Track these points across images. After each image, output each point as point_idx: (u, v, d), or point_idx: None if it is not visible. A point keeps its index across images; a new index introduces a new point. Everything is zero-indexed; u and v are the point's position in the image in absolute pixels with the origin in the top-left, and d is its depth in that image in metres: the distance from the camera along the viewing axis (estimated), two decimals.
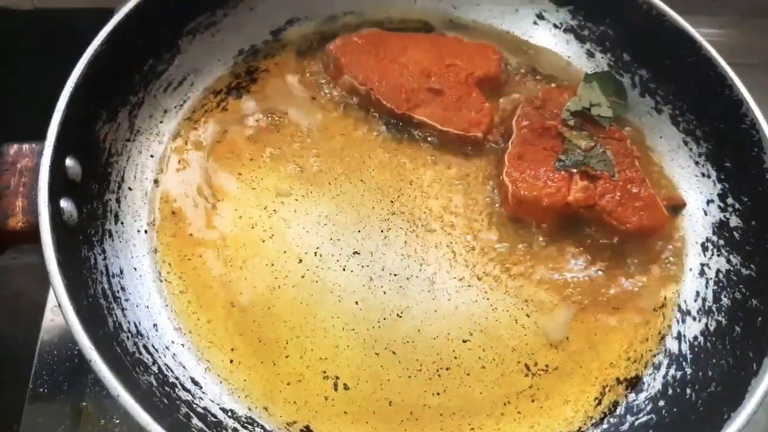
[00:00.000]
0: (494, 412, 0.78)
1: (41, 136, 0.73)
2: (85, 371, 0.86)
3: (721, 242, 0.88)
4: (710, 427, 0.68)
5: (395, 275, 0.84)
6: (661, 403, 0.78)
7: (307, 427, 0.75)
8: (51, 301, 0.91)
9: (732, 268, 0.85)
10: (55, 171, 0.72)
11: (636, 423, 0.77)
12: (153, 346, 0.76)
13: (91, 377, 0.85)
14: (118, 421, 0.83)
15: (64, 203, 0.73)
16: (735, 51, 1.26)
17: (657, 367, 0.81)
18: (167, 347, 0.77)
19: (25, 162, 0.75)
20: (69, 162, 0.76)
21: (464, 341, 0.81)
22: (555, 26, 1.05)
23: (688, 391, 0.77)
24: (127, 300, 0.77)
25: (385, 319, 0.81)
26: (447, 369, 0.79)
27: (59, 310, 0.87)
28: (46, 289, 0.91)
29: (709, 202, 0.91)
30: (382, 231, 0.87)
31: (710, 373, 0.77)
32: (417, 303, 0.82)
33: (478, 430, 0.77)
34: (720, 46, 1.15)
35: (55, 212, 0.71)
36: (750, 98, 0.87)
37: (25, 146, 0.76)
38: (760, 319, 0.77)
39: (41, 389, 0.85)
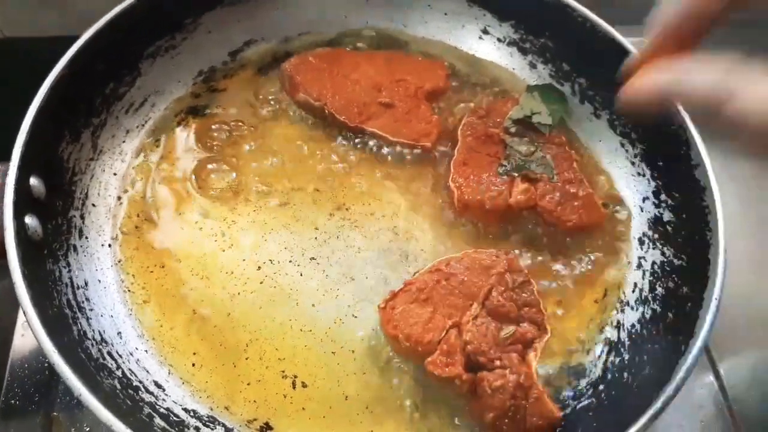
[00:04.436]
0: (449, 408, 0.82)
1: (6, 158, 0.78)
2: (55, 382, 0.89)
3: (656, 236, 0.93)
4: (643, 405, 0.72)
5: (351, 278, 0.89)
6: (601, 387, 0.83)
7: (266, 423, 0.79)
8: (21, 317, 0.94)
9: (666, 260, 0.91)
10: (19, 189, 0.76)
11: (578, 407, 0.82)
12: (117, 353, 0.79)
13: (62, 388, 0.88)
14: (88, 429, 0.86)
15: (29, 220, 0.77)
16: None
17: (598, 355, 0.86)
18: (131, 353, 0.81)
19: None
20: (33, 181, 0.80)
21: None
22: (499, 40, 1.11)
23: (626, 375, 0.82)
24: (91, 310, 0.81)
25: (341, 319, 0.86)
26: (402, 364, 0.83)
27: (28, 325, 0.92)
28: (16, 310, 0.94)
29: (644, 199, 0.97)
30: (338, 237, 0.92)
31: (645, 357, 0.82)
32: (372, 303, 0.87)
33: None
34: None
35: (20, 228, 0.75)
36: None
37: None
38: (689, 304, 0.82)
39: (13, 401, 0.88)
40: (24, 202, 0.77)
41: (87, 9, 1.16)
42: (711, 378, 0.99)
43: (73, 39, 0.90)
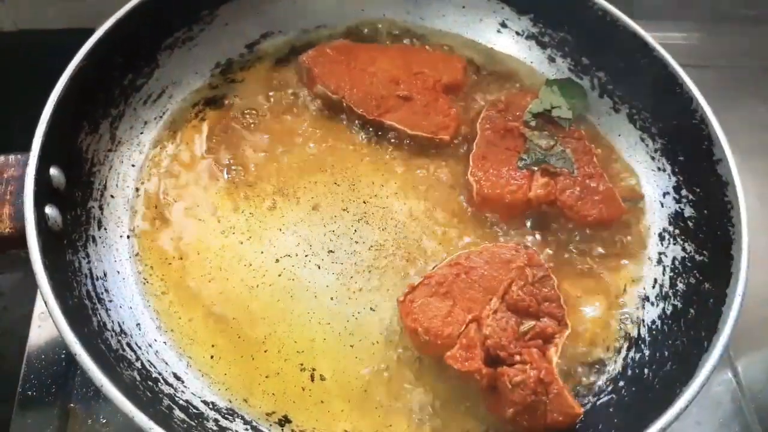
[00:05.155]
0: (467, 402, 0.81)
1: (25, 150, 0.78)
2: (72, 374, 0.89)
3: (677, 231, 0.92)
4: (664, 403, 0.71)
5: (369, 272, 0.88)
6: (621, 383, 0.82)
7: (285, 416, 0.79)
8: (38, 308, 0.94)
9: (687, 255, 0.90)
10: (40, 180, 0.76)
11: (598, 403, 0.81)
12: (136, 344, 0.79)
13: (78, 380, 0.88)
14: (104, 421, 0.86)
15: (49, 210, 0.77)
16: (693, 53, 1.33)
17: (617, 351, 0.86)
18: (150, 345, 0.80)
19: (11, 172, 0.79)
20: (53, 171, 0.80)
21: None
22: (517, 33, 1.10)
23: (646, 371, 0.82)
24: (110, 301, 0.81)
25: (359, 312, 0.85)
26: (420, 358, 0.83)
27: (46, 317, 0.92)
28: (32, 302, 0.95)
29: (665, 194, 0.96)
30: (355, 230, 0.91)
31: (666, 354, 0.82)
32: (391, 297, 0.86)
33: None
34: (679, 48, 1.21)
35: (41, 218, 0.75)
36: (699, 95, 0.91)
37: (12, 157, 0.80)
38: (711, 300, 0.81)
39: (30, 393, 0.88)
40: (44, 192, 0.77)
41: (99, 1, 1.16)
42: (729, 375, 0.98)
43: (86, 31, 0.90)
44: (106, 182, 0.90)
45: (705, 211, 0.90)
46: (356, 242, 0.90)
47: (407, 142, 0.99)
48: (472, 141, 0.96)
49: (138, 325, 0.81)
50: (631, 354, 0.85)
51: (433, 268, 0.85)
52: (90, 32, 0.89)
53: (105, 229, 0.87)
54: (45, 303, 0.69)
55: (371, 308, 0.86)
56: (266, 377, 0.81)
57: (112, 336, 0.77)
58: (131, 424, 0.65)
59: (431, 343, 0.79)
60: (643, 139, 1.00)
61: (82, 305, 0.77)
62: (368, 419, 0.80)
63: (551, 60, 1.09)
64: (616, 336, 0.87)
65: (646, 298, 0.90)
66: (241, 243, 0.89)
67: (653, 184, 0.98)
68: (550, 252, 0.91)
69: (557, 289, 0.83)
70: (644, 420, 0.71)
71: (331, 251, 0.89)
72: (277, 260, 0.88)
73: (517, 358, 0.78)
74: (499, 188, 0.90)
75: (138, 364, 0.77)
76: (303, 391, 0.80)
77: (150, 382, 0.76)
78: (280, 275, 0.87)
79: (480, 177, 0.91)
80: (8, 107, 1.12)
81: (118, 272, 0.85)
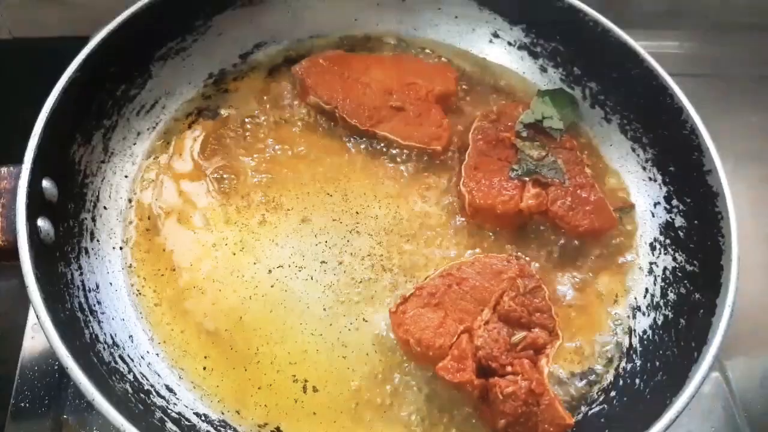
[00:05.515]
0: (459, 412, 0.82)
1: (19, 160, 0.78)
2: (65, 385, 0.89)
3: (668, 241, 0.93)
4: (655, 413, 0.72)
5: (360, 282, 0.89)
6: (613, 393, 0.83)
7: (277, 428, 0.79)
8: (31, 319, 0.94)
9: (678, 265, 0.90)
10: (32, 192, 0.76)
11: (589, 413, 0.82)
12: (129, 356, 0.79)
13: (71, 391, 0.89)
14: None
15: (42, 222, 0.77)
16: (685, 62, 1.33)
17: (609, 361, 0.86)
18: (142, 357, 0.81)
19: (3, 184, 0.79)
20: (46, 183, 0.80)
21: None
22: (509, 44, 1.11)
23: (637, 381, 0.82)
24: (103, 313, 0.81)
25: (351, 323, 0.86)
26: (413, 369, 0.83)
27: (39, 328, 0.92)
28: (27, 311, 0.95)
29: (656, 204, 0.96)
30: (348, 241, 0.92)
31: (657, 364, 0.82)
32: (383, 307, 0.86)
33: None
34: (671, 58, 1.22)
35: (33, 231, 0.75)
36: (690, 106, 0.92)
37: (3, 169, 0.80)
38: (702, 311, 0.81)
39: (23, 404, 0.88)
40: (36, 204, 0.77)
41: (94, 9, 1.16)
42: (721, 383, 0.99)
43: (81, 39, 0.90)
44: (98, 194, 0.90)
45: (695, 222, 0.90)
46: (348, 253, 0.91)
47: (400, 152, 0.99)
48: (464, 151, 0.97)
49: (130, 337, 0.82)
50: (623, 364, 0.85)
51: (425, 279, 0.86)
52: (85, 40, 0.89)
53: (98, 240, 0.87)
54: (36, 316, 0.69)
55: (363, 319, 0.86)
56: (258, 389, 0.81)
57: (104, 348, 0.77)
58: None
59: (423, 354, 0.80)
60: (634, 149, 1.01)
61: (74, 318, 0.77)
62: (361, 430, 0.80)
63: (543, 70, 1.09)
64: (608, 346, 0.87)
65: (638, 308, 0.90)
66: (234, 254, 0.89)
67: (644, 194, 0.98)
68: (541, 262, 0.91)
69: (548, 299, 0.83)
70: (635, 431, 0.71)
71: (324, 262, 0.90)
72: (270, 271, 0.88)
73: (509, 369, 0.78)
74: (491, 199, 0.91)
75: (130, 377, 0.77)
76: (295, 402, 0.80)
77: (142, 395, 0.76)
78: (272, 286, 0.87)
79: (472, 187, 0.92)
80: (4, 115, 1.12)
81: (111, 284, 0.85)
